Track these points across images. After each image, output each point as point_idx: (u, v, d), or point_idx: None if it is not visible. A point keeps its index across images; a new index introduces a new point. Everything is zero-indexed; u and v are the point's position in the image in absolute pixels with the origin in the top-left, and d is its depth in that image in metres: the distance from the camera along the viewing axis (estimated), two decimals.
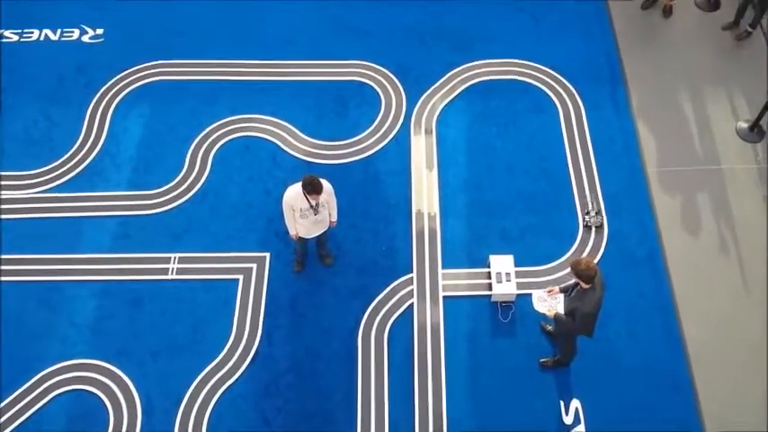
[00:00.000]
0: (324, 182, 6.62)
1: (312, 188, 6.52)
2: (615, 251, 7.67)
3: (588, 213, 7.25)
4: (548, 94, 8.92)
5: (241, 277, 7.56)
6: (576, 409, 6.72)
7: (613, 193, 8.07)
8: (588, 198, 7.29)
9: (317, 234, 7.16)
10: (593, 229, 7.60)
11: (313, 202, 6.70)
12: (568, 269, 6.18)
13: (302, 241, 7.22)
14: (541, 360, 6.96)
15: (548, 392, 6.85)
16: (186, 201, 8.07)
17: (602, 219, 7.47)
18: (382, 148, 8.48)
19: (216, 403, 6.82)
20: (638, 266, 7.58)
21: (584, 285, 5.88)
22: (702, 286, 7.42)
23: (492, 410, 6.76)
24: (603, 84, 9.00)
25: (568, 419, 6.67)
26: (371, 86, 9.00)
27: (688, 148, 8.40)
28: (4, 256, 7.65)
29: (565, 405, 6.75)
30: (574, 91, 8.93)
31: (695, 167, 8.25)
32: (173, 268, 7.60)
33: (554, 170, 8.28)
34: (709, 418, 6.66)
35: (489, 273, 7.40)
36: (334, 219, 7.18)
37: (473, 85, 9.00)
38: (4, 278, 7.52)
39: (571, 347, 6.65)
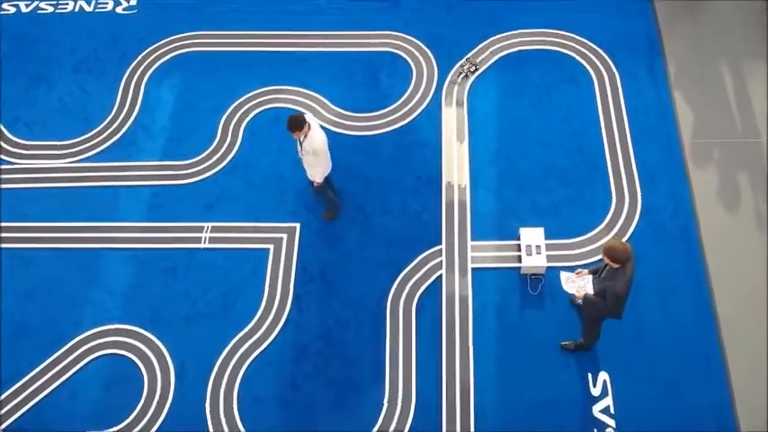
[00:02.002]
0: (313, 133, 6.74)
1: (287, 123, 6.69)
2: (648, 225, 7.55)
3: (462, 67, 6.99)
4: (583, 66, 8.75)
5: (272, 247, 7.65)
6: (605, 381, 6.70)
7: (648, 166, 7.93)
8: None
9: (308, 176, 7.29)
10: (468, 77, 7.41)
11: (295, 138, 6.84)
12: (600, 254, 6.05)
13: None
14: (563, 343, 6.90)
15: (575, 365, 6.82)
16: (218, 171, 8.16)
17: (476, 68, 7.22)
18: (413, 119, 8.44)
19: (247, 369, 6.97)
20: (671, 241, 7.46)
21: (613, 265, 5.79)
22: (737, 263, 7.27)
23: (519, 382, 6.77)
24: (641, 55, 8.80)
25: (596, 391, 6.65)
26: (403, 57, 8.93)
27: (727, 121, 8.19)
28: (41, 224, 7.87)
29: (593, 378, 6.73)
30: (610, 62, 8.74)
31: (734, 140, 8.04)
32: (205, 237, 7.73)
33: (588, 142, 8.15)
34: (741, 397, 6.57)
35: (519, 245, 7.36)
36: (312, 177, 7.21)
37: (506, 55, 8.87)
38: (41, 245, 7.75)
39: (596, 331, 6.57)
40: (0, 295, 7.45)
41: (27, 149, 8.43)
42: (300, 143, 6.89)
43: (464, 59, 7.64)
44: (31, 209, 7.99)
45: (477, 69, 7.27)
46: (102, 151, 8.37)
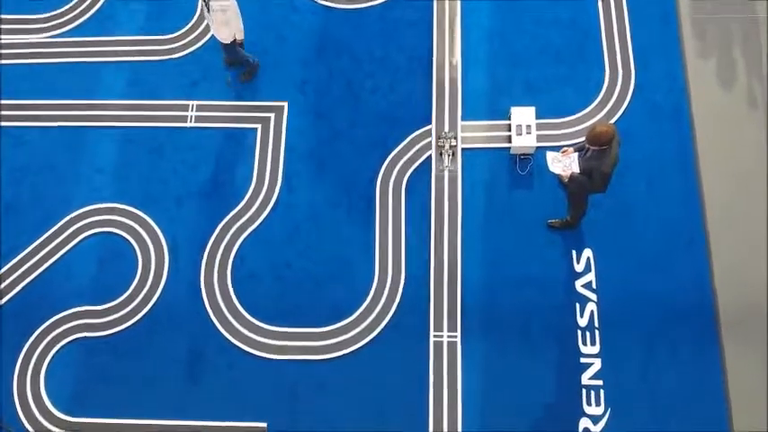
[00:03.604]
0: None
1: None
2: (641, 103, 7.48)
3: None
4: None
5: (259, 126, 7.54)
6: (588, 258, 6.90)
7: (644, 42, 7.73)
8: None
9: (220, 39, 7.14)
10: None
11: None
12: (584, 138, 6.05)
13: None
14: (550, 221, 7.02)
15: (561, 242, 6.99)
16: (200, 47, 7.88)
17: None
18: None
19: (239, 248, 7.09)
20: (662, 119, 7.42)
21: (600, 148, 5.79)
22: (727, 144, 7.28)
23: (505, 259, 6.95)
24: None
25: (579, 267, 6.87)
26: None
27: None
28: (22, 102, 7.67)
29: (577, 254, 6.93)
30: None
31: (731, 15, 7.80)
32: (191, 116, 7.59)
33: (583, 18, 7.88)
34: (720, 274, 6.78)
35: (510, 125, 7.30)
36: (222, 38, 7.06)
37: None
38: (24, 123, 7.60)
39: (582, 208, 6.67)
40: None
41: None
42: (206, 2, 6.69)
43: None
44: (10, 86, 7.75)
45: None
46: (78, 26, 8.01)
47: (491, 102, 7.58)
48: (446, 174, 6.56)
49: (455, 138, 6.58)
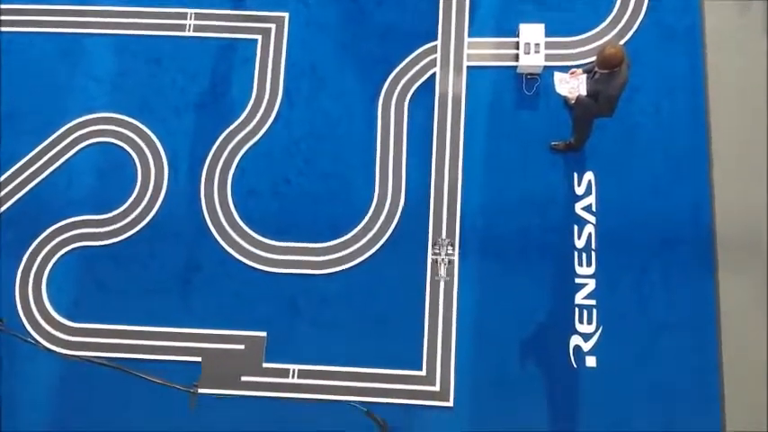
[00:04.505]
0: None
1: None
2: (653, 23, 7.25)
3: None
4: None
5: (260, 37, 7.34)
6: (589, 180, 6.87)
7: None
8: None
9: None
10: None
11: None
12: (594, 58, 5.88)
13: None
14: (553, 143, 6.92)
15: (563, 164, 6.93)
16: None
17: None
18: None
19: (239, 162, 7.04)
20: (674, 41, 7.21)
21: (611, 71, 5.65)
22: (739, 66, 7.10)
23: (506, 180, 6.91)
24: None
25: (580, 190, 6.85)
26: None
27: None
28: (14, 6, 7.44)
29: (578, 177, 6.89)
30: None
31: None
32: (189, 25, 7.37)
33: None
34: (721, 202, 6.76)
35: (517, 43, 7.11)
36: None
37: None
38: (17, 29, 7.40)
39: (587, 131, 6.56)
40: None
41: None
42: None
43: None
44: None
45: None
46: None
47: (499, 18, 7.34)
48: (441, 283, 6.58)
49: (452, 246, 6.53)
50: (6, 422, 6.40)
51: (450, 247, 6.40)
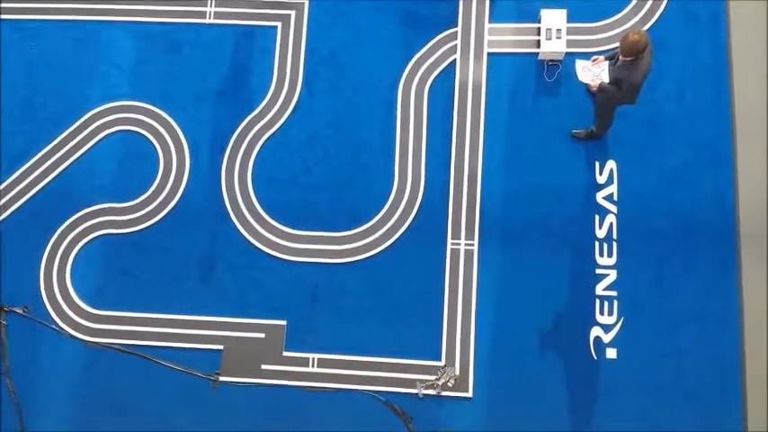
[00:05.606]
0: None
1: None
2: (677, 8, 7.11)
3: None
4: None
5: (279, 24, 7.31)
6: (611, 169, 6.80)
7: None
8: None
9: None
10: None
11: None
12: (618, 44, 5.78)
13: None
14: (574, 131, 6.85)
15: (584, 153, 6.86)
16: None
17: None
18: None
19: (260, 150, 7.05)
20: (699, 27, 7.07)
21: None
22: (764, 53, 6.96)
23: (526, 168, 6.86)
24: None
25: (602, 179, 6.79)
26: None
27: None
28: None
29: (600, 165, 6.82)
30: None
31: None
32: (210, 12, 7.36)
33: None
34: (745, 192, 6.65)
35: (539, 29, 7.02)
36: None
37: None
38: (42, 16, 7.44)
39: (608, 119, 6.49)
40: (1, 69, 7.31)
41: None
42: None
43: None
44: None
45: None
46: None
47: (520, 3, 7.25)
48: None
49: (455, 378, 6.39)
50: (30, 408, 6.53)
51: (453, 380, 6.34)
